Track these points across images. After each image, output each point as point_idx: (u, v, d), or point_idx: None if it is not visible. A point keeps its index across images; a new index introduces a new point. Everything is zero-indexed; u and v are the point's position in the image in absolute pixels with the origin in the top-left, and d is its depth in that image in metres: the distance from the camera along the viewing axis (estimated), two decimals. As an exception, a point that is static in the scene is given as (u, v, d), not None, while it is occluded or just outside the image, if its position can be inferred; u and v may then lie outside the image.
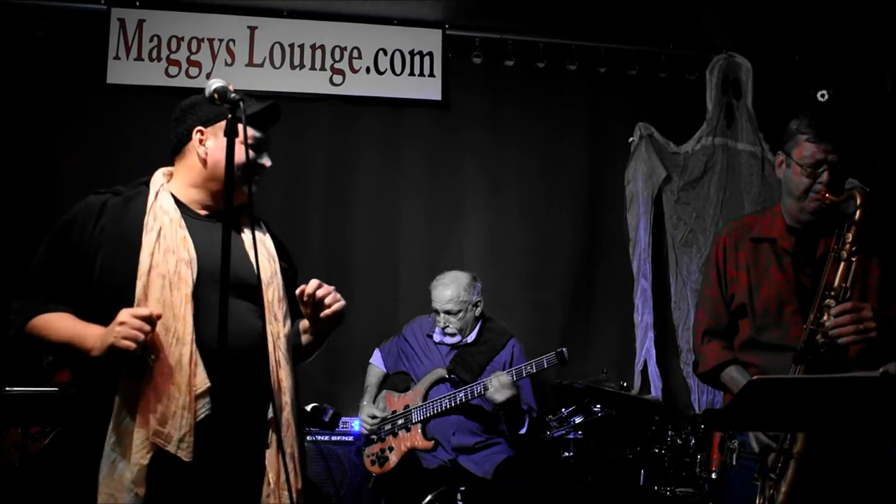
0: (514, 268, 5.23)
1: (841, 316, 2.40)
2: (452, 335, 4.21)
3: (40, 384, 3.88)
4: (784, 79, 5.46)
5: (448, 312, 4.18)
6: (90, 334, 2.16)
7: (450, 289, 4.20)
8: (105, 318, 2.14)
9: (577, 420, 4.32)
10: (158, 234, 2.24)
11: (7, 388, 3.33)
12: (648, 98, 5.43)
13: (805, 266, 2.68)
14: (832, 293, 2.46)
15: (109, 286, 2.22)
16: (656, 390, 5.10)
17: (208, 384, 2.17)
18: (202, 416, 2.15)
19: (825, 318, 2.44)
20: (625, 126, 5.36)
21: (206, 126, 2.37)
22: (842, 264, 2.48)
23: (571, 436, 4.33)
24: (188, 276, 2.23)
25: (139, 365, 2.14)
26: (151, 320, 2.10)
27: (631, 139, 5.34)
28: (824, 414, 2.11)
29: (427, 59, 5.16)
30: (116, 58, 4.84)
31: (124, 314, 2.10)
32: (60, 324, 2.22)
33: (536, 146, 5.34)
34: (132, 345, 2.08)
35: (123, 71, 4.84)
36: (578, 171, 5.37)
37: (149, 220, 2.27)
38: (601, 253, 5.37)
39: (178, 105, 2.45)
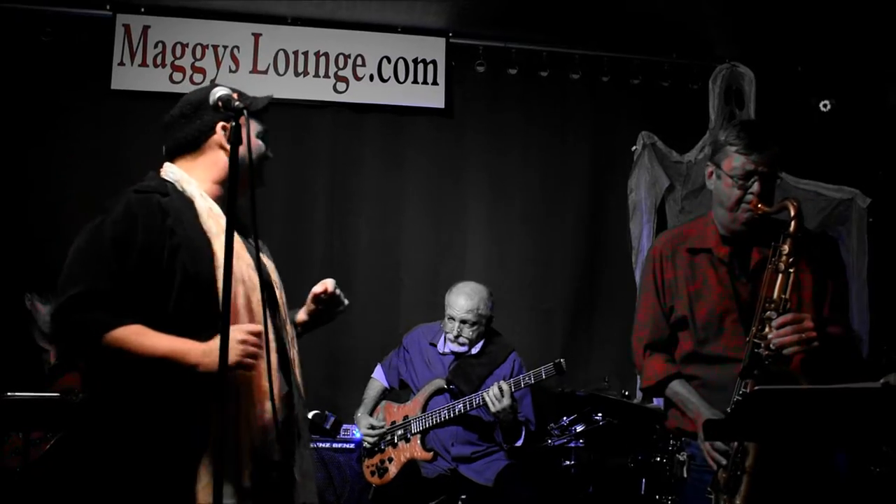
0: (516, 276, 5.23)
1: (783, 328, 2.40)
2: (462, 344, 4.19)
3: (42, 389, 3.89)
4: (787, 89, 5.46)
5: (464, 322, 4.16)
6: (192, 350, 2.11)
7: (472, 300, 4.18)
8: (181, 328, 2.11)
9: (579, 428, 4.31)
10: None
11: (8, 394, 3.33)
12: (651, 107, 5.44)
13: (741, 275, 2.68)
14: (772, 305, 2.46)
15: (192, 295, 2.15)
16: (658, 399, 5.09)
17: (287, 388, 2.30)
18: (282, 418, 2.25)
19: (767, 330, 2.44)
20: (628, 135, 5.37)
21: (228, 121, 2.27)
22: (780, 276, 2.48)
23: (573, 444, 4.33)
24: (257, 280, 2.23)
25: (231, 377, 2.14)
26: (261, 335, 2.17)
27: (634, 148, 5.34)
28: (825, 424, 2.11)
29: (430, 68, 5.17)
30: (121, 64, 4.86)
31: (241, 332, 2.13)
32: (151, 338, 2.10)
33: (539, 155, 5.35)
34: (254, 362, 2.13)
35: (128, 77, 4.86)
36: (581, 180, 5.38)
37: (210, 225, 2.22)
38: (603, 261, 5.37)
39: (185, 101, 2.37)
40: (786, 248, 2.48)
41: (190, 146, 2.36)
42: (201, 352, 2.11)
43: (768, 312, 2.46)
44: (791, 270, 2.47)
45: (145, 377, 2.12)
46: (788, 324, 2.40)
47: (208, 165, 2.34)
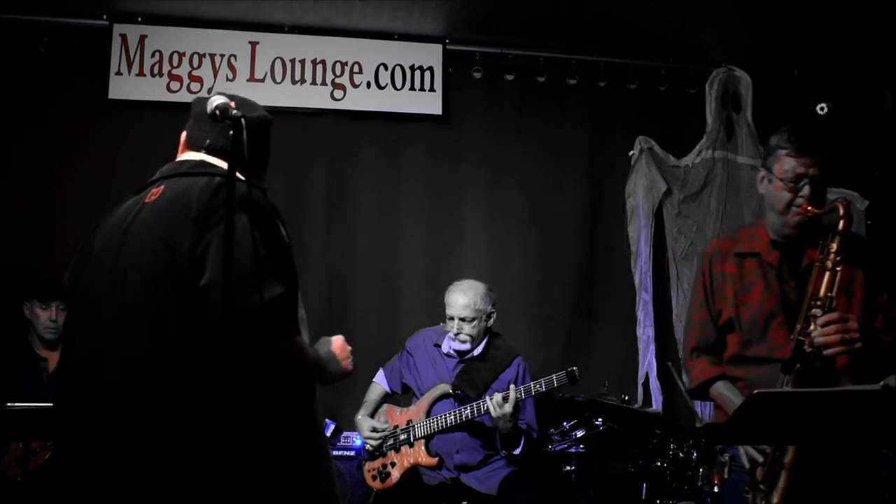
0: (514, 281, 5.23)
1: (827, 326, 2.42)
2: (464, 342, 4.17)
3: (41, 399, 3.88)
4: (783, 92, 5.47)
5: (463, 319, 4.15)
6: (328, 358, 2.29)
7: (467, 295, 4.17)
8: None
9: (579, 434, 4.31)
10: None
11: (8, 405, 3.33)
12: (648, 112, 5.45)
13: (790, 279, 2.70)
14: (818, 303, 2.48)
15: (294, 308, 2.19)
16: (657, 404, 5.10)
17: None
18: None
19: (812, 328, 2.45)
20: (625, 140, 5.38)
21: None
22: (827, 274, 2.49)
23: (573, 449, 4.32)
24: None
25: None
26: None
27: (631, 153, 5.35)
28: (825, 427, 2.12)
29: (427, 74, 5.18)
30: (118, 73, 4.86)
31: (343, 341, 2.36)
32: (306, 345, 2.21)
33: (536, 160, 5.35)
34: None
35: (125, 86, 4.86)
36: (579, 185, 5.38)
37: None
38: (602, 266, 5.37)
39: (263, 118, 2.35)
40: (833, 246, 2.50)
41: (244, 161, 2.21)
42: (328, 358, 2.28)
43: (814, 310, 2.47)
44: (838, 269, 2.49)
45: (290, 384, 2.16)
46: (833, 322, 2.42)
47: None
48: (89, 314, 2.15)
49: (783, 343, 2.57)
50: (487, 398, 3.93)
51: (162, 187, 2.20)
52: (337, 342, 2.34)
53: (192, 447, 1.98)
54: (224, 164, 2.23)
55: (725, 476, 2.78)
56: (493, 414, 3.88)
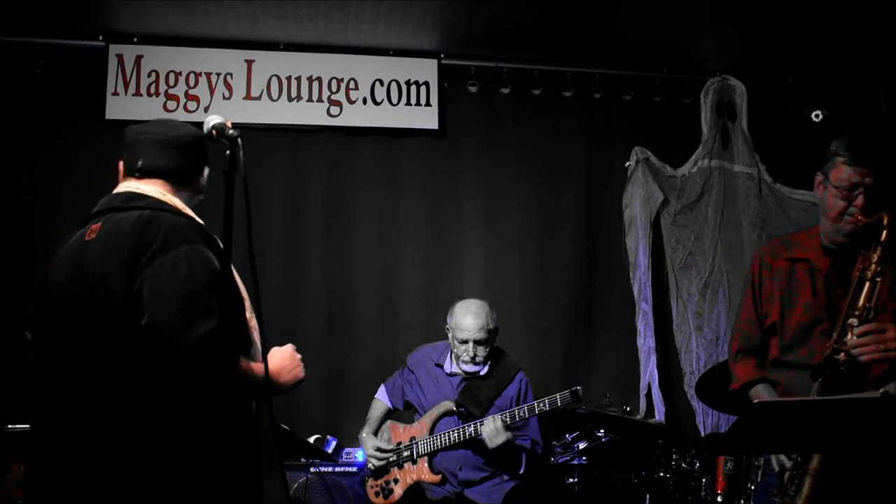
0: (514, 293, 5.23)
1: (864, 336, 2.44)
2: (478, 363, 4.14)
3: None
4: (778, 100, 5.49)
5: (478, 342, 4.13)
6: (276, 370, 2.32)
7: (481, 318, 4.13)
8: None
9: (582, 445, 4.30)
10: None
11: (9, 426, 3.32)
12: (644, 122, 5.46)
13: (838, 287, 2.69)
14: (856, 312, 2.49)
15: (233, 324, 2.23)
16: (660, 414, 5.09)
17: None
18: None
19: (848, 336, 2.47)
20: (621, 151, 5.39)
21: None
22: (866, 284, 2.51)
23: (576, 461, 4.31)
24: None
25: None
26: None
27: (627, 164, 5.36)
28: (827, 435, 2.12)
29: (423, 89, 5.19)
30: (115, 93, 4.88)
31: (294, 350, 2.39)
32: (249, 364, 2.23)
33: (533, 173, 5.36)
34: None
35: (122, 106, 4.87)
36: (576, 197, 5.39)
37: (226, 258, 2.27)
38: (601, 278, 5.37)
39: (190, 133, 2.41)
40: (874, 256, 2.52)
41: (177, 177, 2.39)
42: (277, 372, 2.31)
43: (851, 319, 2.49)
44: (878, 280, 2.50)
45: (234, 404, 2.20)
46: (870, 332, 2.44)
47: (186, 198, 2.39)
48: (51, 346, 2.30)
49: (824, 350, 2.57)
50: (481, 427, 3.92)
51: (100, 224, 2.28)
52: (286, 352, 2.38)
53: (134, 467, 2.08)
54: (154, 188, 2.34)
55: (758, 480, 2.79)
56: (489, 445, 3.88)
